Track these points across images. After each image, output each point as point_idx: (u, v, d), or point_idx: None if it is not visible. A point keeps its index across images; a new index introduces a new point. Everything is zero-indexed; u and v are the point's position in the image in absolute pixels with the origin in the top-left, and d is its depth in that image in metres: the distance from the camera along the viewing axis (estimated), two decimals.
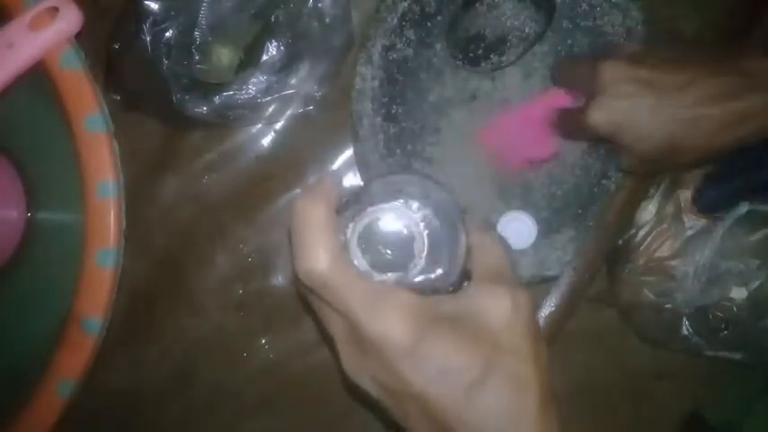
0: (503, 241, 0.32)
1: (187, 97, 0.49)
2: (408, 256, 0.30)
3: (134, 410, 0.54)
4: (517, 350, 0.29)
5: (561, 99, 0.47)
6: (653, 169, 0.47)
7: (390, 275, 0.30)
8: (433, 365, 0.28)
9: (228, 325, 0.54)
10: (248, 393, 0.54)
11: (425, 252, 0.30)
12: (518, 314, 0.30)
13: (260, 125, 0.53)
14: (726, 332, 0.48)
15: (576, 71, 0.45)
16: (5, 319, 0.52)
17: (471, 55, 0.50)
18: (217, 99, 0.49)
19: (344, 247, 0.30)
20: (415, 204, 0.30)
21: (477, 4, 0.50)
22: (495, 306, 0.30)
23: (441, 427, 0.29)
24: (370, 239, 0.30)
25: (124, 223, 0.47)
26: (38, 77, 0.47)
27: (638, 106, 0.41)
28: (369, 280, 0.29)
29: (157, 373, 0.54)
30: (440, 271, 0.31)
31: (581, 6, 0.50)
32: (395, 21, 0.49)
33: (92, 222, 0.47)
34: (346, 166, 0.53)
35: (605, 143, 0.45)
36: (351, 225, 0.30)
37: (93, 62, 0.48)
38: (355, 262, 0.30)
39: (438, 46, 0.51)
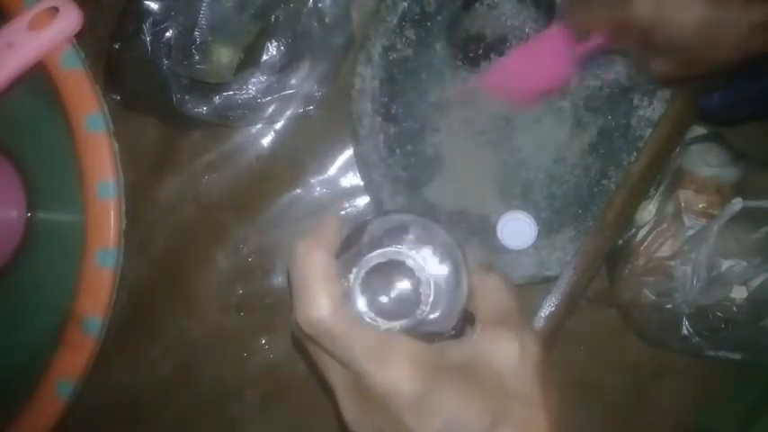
0: (506, 281, 0.32)
1: (187, 97, 0.49)
2: (413, 301, 0.29)
3: (134, 410, 0.54)
4: (526, 396, 0.29)
5: (561, 36, 0.46)
6: (683, 75, 0.44)
7: (395, 322, 0.29)
8: (441, 418, 0.27)
9: (228, 325, 0.53)
10: (248, 393, 0.54)
11: (431, 297, 0.29)
12: (526, 359, 0.29)
13: (260, 125, 0.53)
14: (726, 332, 0.48)
15: None
16: (5, 319, 0.52)
17: (471, 55, 0.50)
18: (217, 99, 0.49)
19: (346, 294, 0.29)
20: (416, 247, 0.29)
21: (477, 4, 0.50)
22: (502, 351, 0.29)
23: None
24: (372, 285, 0.29)
25: (124, 223, 0.47)
26: (38, 77, 0.47)
27: None
28: (372, 328, 0.28)
29: (157, 373, 0.54)
30: (441, 314, 0.29)
31: None
32: (395, 21, 0.49)
33: (92, 222, 0.47)
34: (346, 166, 0.53)
35: (639, 49, 0.43)
36: (353, 271, 0.29)
37: (93, 62, 0.48)
38: (358, 309, 0.29)
39: (438, 46, 0.51)
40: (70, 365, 0.47)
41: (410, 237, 0.29)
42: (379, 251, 0.29)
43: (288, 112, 0.52)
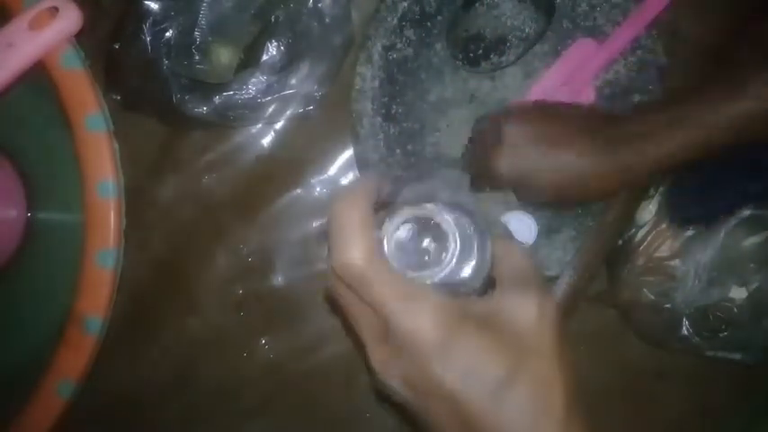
0: (526, 250, 0.35)
1: (187, 97, 0.49)
2: (440, 256, 0.31)
3: (134, 410, 0.54)
4: (543, 352, 0.30)
5: (586, 47, 0.49)
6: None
7: (424, 273, 0.31)
8: (462, 365, 0.29)
9: (228, 325, 0.53)
10: (248, 393, 0.54)
11: (457, 252, 0.31)
12: (544, 318, 0.30)
13: (260, 125, 0.53)
14: (726, 332, 0.48)
15: (486, 128, 0.47)
16: (5, 319, 0.52)
17: (471, 55, 0.50)
18: (217, 99, 0.49)
19: (380, 245, 0.31)
20: (445, 209, 0.31)
21: (477, 4, 0.50)
22: (522, 310, 0.31)
23: (468, 427, 0.29)
24: (403, 239, 0.32)
25: (124, 223, 0.47)
26: (38, 77, 0.47)
27: (525, 158, 0.44)
28: (403, 277, 0.30)
29: (157, 373, 0.54)
30: (467, 275, 0.31)
31: (581, 6, 0.50)
32: (395, 21, 0.49)
33: (92, 222, 0.47)
34: (346, 166, 0.53)
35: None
36: (386, 223, 0.31)
37: (93, 62, 0.48)
38: (389, 259, 0.31)
39: (438, 46, 0.51)
40: (70, 365, 0.47)
41: (440, 200, 0.31)
42: (411, 208, 0.31)
43: (288, 112, 0.52)
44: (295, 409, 0.54)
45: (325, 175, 0.53)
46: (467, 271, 0.31)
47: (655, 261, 0.49)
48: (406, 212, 0.31)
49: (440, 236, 0.31)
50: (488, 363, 0.29)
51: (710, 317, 0.48)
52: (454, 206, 0.31)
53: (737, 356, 0.49)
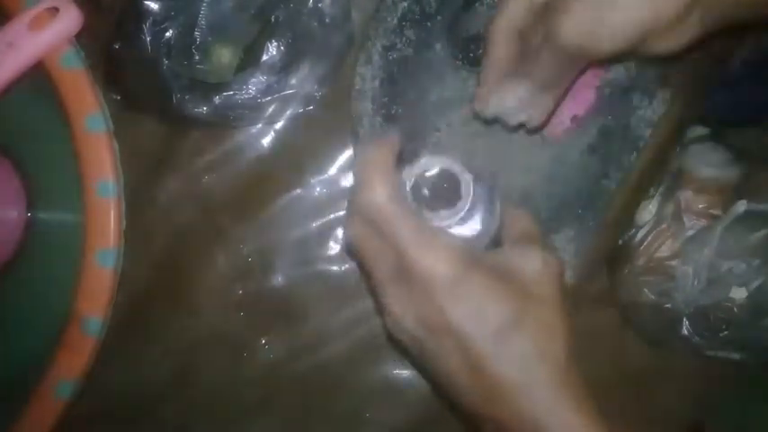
0: (531, 216, 0.38)
1: (187, 97, 0.49)
2: (454, 205, 0.34)
3: (134, 410, 0.54)
4: (547, 301, 0.32)
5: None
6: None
7: (441, 213, 0.34)
8: (471, 303, 0.31)
9: (228, 325, 0.53)
10: (248, 393, 0.54)
11: (470, 198, 0.34)
12: (548, 270, 0.33)
13: (260, 125, 0.53)
14: (726, 332, 0.48)
15: None
16: (5, 319, 0.52)
17: (471, 55, 0.50)
18: (217, 99, 0.49)
19: (401, 188, 0.34)
20: (461, 168, 0.35)
21: (477, 4, 0.50)
22: (528, 262, 0.33)
23: (472, 363, 0.31)
24: (421, 185, 0.35)
25: (124, 223, 0.47)
26: (38, 77, 0.47)
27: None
28: (421, 218, 0.33)
29: (157, 373, 0.54)
30: (476, 230, 0.35)
31: None
32: (395, 21, 0.49)
33: (92, 222, 0.47)
34: (346, 166, 0.53)
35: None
36: (407, 170, 0.35)
37: (93, 62, 0.48)
38: (409, 201, 0.34)
39: (438, 46, 0.51)
40: (70, 366, 0.47)
41: (457, 163, 0.35)
42: (431, 157, 0.35)
43: (288, 112, 0.52)
44: (295, 409, 0.54)
45: (325, 175, 0.53)
46: (477, 223, 0.35)
47: (655, 261, 0.49)
48: (426, 162, 0.35)
49: (454, 188, 0.34)
50: (496, 304, 0.31)
51: (710, 317, 0.48)
52: (467, 168, 0.35)
53: (737, 356, 0.49)
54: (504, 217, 0.36)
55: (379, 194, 0.32)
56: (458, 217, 0.34)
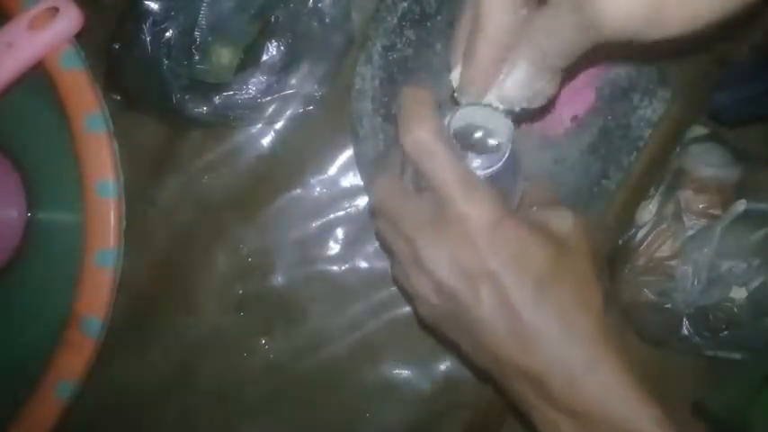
0: (553, 186, 0.41)
1: (187, 97, 0.49)
2: (494, 149, 0.34)
3: (134, 410, 0.54)
4: (584, 253, 0.33)
5: None
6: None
7: (481, 155, 0.34)
8: (510, 249, 0.31)
9: (228, 325, 0.53)
10: (248, 393, 0.54)
11: (508, 150, 0.34)
12: (579, 225, 0.34)
13: (260, 125, 0.53)
14: (726, 332, 0.48)
15: None
16: (5, 319, 0.52)
17: None
18: (217, 99, 0.49)
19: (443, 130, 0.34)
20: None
21: None
22: (560, 218, 0.34)
23: (510, 310, 0.31)
24: (461, 131, 0.35)
25: (124, 223, 0.47)
26: (38, 77, 0.47)
27: None
28: (463, 164, 0.33)
29: (157, 373, 0.54)
30: (503, 193, 0.34)
31: None
32: (395, 21, 0.49)
33: (91, 222, 0.47)
34: (346, 166, 0.53)
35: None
36: (448, 116, 0.34)
37: (93, 62, 0.48)
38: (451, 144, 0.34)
39: (438, 46, 0.51)
40: (70, 366, 0.47)
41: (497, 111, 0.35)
42: (473, 106, 0.34)
43: (288, 112, 0.52)
44: (295, 410, 0.54)
45: (325, 175, 0.53)
46: (503, 190, 0.34)
47: (655, 261, 0.49)
48: (468, 109, 0.34)
49: (489, 138, 0.35)
50: (534, 254, 0.31)
51: (711, 317, 0.48)
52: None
53: (737, 356, 0.49)
54: (528, 189, 0.37)
55: (426, 132, 0.31)
56: (500, 163, 0.33)
